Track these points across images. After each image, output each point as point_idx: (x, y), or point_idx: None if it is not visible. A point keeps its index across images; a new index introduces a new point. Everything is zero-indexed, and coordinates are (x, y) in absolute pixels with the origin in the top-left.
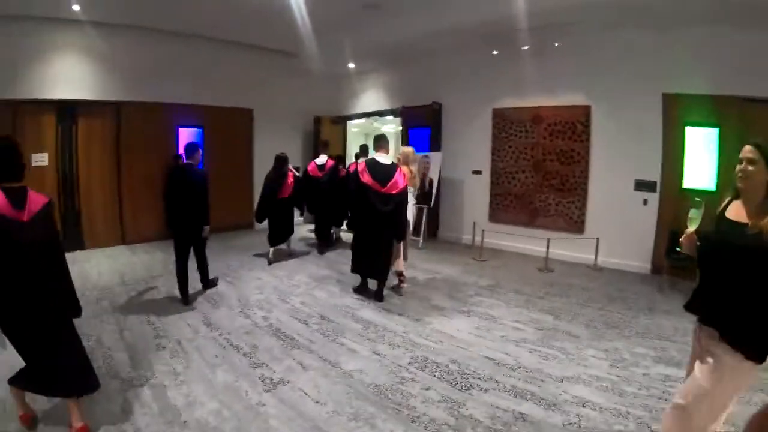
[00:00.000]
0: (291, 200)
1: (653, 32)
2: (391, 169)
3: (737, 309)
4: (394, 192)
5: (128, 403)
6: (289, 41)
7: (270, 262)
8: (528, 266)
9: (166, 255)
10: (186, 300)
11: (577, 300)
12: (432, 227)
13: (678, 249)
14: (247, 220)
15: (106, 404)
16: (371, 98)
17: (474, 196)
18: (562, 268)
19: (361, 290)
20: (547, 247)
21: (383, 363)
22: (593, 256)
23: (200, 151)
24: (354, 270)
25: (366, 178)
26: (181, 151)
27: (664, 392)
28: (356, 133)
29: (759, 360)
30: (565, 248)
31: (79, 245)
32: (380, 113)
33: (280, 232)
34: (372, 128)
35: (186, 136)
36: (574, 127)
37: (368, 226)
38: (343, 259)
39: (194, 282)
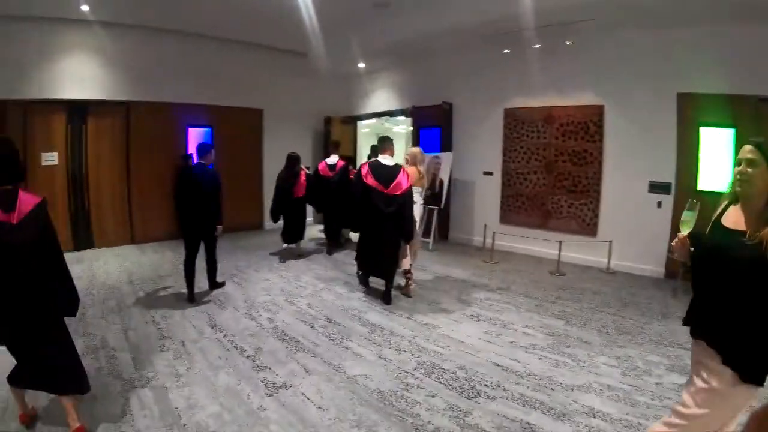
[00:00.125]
0: (304, 199)
1: (668, 30)
2: (394, 170)
3: (732, 325)
4: (397, 193)
5: (129, 404)
6: (299, 41)
7: (284, 260)
8: (539, 269)
9: (174, 255)
10: (192, 296)
11: (589, 305)
12: (443, 229)
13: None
14: (256, 221)
15: (107, 404)
16: (382, 98)
17: (485, 197)
18: (574, 271)
19: (363, 282)
20: (559, 250)
21: (389, 368)
22: (606, 260)
23: (212, 151)
24: (359, 268)
25: (369, 180)
26: (190, 150)
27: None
28: (367, 134)
29: (756, 382)
30: (578, 251)
31: (89, 244)
32: (391, 113)
33: (294, 231)
34: (383, 129)
35: (195, 136)
36: (587, 128)
37: (373, 228)
38: (351, 260)
39: (202, 282)
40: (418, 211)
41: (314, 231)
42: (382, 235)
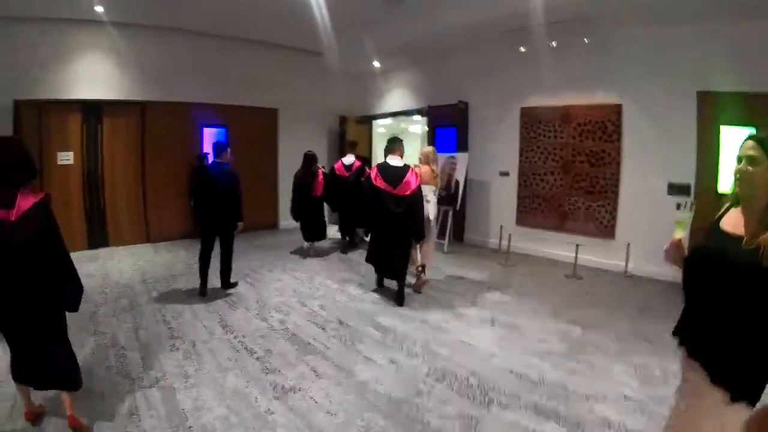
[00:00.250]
0: (322, 198)
1: (687, 27)
2: (403, 170)
3: (724, 339)
4: (406, 193)
5: (136, 403)
6: (313, 40)
7: (305, 256)
8: (556, 272)
9: (188, 254)
10: (203, 290)
11: (606, 310)
12: (458, 230)
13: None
14: (271, 220)
15: (114, 403)
16: (397, 97)
17: (501, 198)
18: (591, 275)
19: (378, 288)
20: (576, 253)
21: (400, 373)
22: (624, 263)
23: (228, 150)
24: (370, 262)
25: (378, 181)
26: (205, 150)
27: None
28: (383, 134)
29: (748, 401)
30: (595, 254)
31: (103, 243)
32: (406, 113)
33: (314, 229)
34: (399, 128)
35: (210, 135)
36: (605, 127)
37: (384, 228)
38: (365, 261)
39: (215, 280)
40: (433, 210)
41: (330, 230)
42: (392, 236)
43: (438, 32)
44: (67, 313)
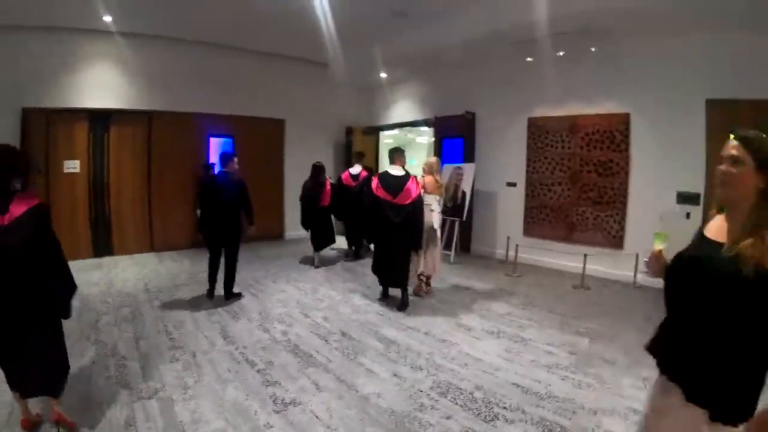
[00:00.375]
0: (330, 208)
1: (695, 36)
2: (403, 179)
3: (702, 353)
4: (406, 202)
5: (134, 414)
6: (320, 51)
7: (311, 266)
8: (563, 283)
9: (192, 264)
10: (211, 293)
11: (615, 321)
12: (465, 241)
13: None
14: (277, 231)
15: (112, 414)
16: (404, 108)
17: (508, 209)
18: (599, 285)
19: (383, 299)
20: (584, 264)
21: (403, 387)
22: (632, 273)
23: (235, 159)
24: (380, 282)
25: (379, 191)
26: (212, 160)
27: None
28: (389, 145)
29: (732, 422)
30: (603, 264)
31: (108, 251)
32: (413, 123)
33: (322, 238)
34: (406, 139)
35: (217, 145)
36: (613, 137)
37: (384, 237)
38: (370, 271)
39: (221, 289)
40: (437, 219)
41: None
42: (393, 245)
43: (444, 44)
44: (69, 322)
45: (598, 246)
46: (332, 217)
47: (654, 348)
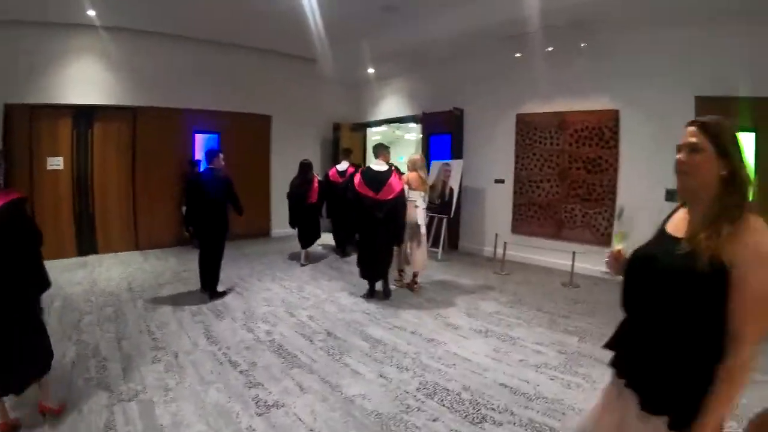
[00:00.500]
0: (318, 205)
1: (683, 31)
2: (385, 175)
3: (659, 358)
4: (388, 197)
5: (114, 417)
6: (307, 46)
7: (298, 264)
8: (552, 281)
9: (178, 262)
10: (205, 287)
11: (604, 319)
12: (452, 238)
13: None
14: (263, 228)
15: (91, 417)
16: (391, 104)
17: (496, 206)
18: (588, 283)
19: (368, 296)
20: (573, 261)
21: (389, 388)
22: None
23: (221, 156)
24: (361, 275)
25: (361, 187)
26: (198, 156)
27: None
28: (378, 141)
29: (689, 428)
30: (591, 262)
31: (92, 249)
32: (401, 120)
33: (309, 235)
34: (394, 136)
35: (203, 141)
36: (602, 133)
37: (367, 232)
38: (357, 269)
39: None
40: (422, 215)
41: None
42: (377, 239)
43: (433, 39)
44: (50, 322)
45: (586, 243)
46: (320, 214)
47: (612, 347)
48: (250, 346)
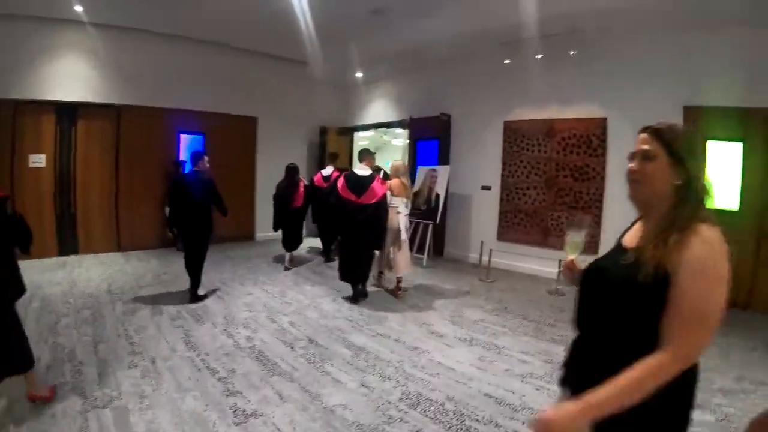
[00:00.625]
0: (303, 209)
1: (674, 42)
2: (368, 180)
3: (602, 372)
4: (370, 201)
5: (87, 425)
6: (296, 49)
7: (280, 268)
8: (538, 289)
9: (159, 264)
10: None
11: None
12: (438, 244)
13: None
14: (247, 232)
15: (64, 424)
16: (379, 108)
17: (482, 212)
18: (573, 291)
19: (352, 299)
20: (559, 269)
21: (370, 398)
22: None
23: (206, 158)
24: (341, 278)
25: (344, 191)
26: (182, 157)
27: None
28: (366, 146)
29: None
30: None
31: (73, 249)
32: (388, 125)
33: (294, 240)
34: (382, 141)
35: (187, 142)
36: (590, 141)
37: (349, 235)
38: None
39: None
40: (403, 221)
41: (307, 242)
42: (357, 243)
43: (422, 44)
44: (27, 324)
45: None
46: (305, 219)
47: (565, 377)
48: (229, 352)
